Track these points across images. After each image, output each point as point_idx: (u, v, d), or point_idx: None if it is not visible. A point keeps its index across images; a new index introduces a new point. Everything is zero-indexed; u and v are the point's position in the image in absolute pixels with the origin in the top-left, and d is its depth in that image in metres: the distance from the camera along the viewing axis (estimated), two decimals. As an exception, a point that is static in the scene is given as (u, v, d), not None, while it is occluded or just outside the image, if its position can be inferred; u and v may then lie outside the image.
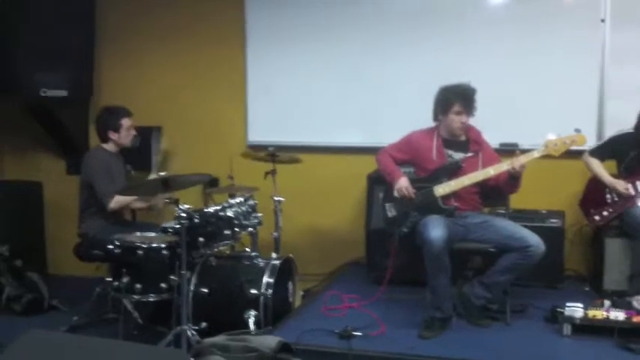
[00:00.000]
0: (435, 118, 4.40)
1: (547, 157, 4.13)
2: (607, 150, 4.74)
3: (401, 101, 5.45)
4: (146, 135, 5.66)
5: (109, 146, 4.92)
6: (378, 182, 4.93)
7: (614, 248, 4.72)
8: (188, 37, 6.03)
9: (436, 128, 4.40)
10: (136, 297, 4.18)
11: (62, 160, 6.35)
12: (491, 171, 4.18)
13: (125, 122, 4.89)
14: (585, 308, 3.96)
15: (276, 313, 4.29)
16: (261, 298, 4.24)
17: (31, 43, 5.48)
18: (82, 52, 5.84)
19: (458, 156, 4.35)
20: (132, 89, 6.05)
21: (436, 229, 4.00)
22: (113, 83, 6.13)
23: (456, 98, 4.25)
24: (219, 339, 2.17)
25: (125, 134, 4.90)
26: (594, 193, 4.77)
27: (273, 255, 4.63)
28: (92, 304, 4.78)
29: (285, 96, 5.80)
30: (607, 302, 4.15)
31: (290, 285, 4.66)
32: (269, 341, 2.18)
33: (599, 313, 3.92)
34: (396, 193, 4.33)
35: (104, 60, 6.12)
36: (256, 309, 4.23)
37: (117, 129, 4.87)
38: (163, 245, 4.23)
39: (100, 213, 4.80)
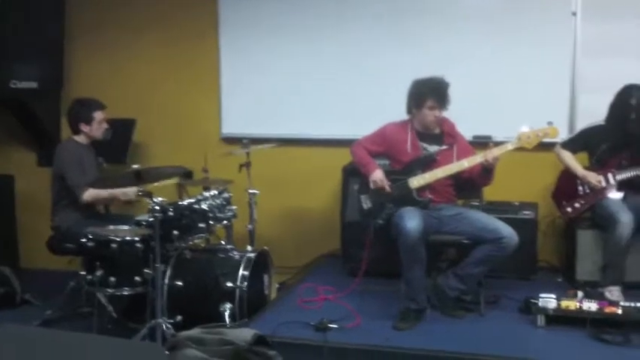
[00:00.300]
0: (409, 111, 4.40)
1: (520, 149, 4.17)
2: (579, 142, 4.78)
3: (376, 94, 5.45)
4: (118, 127, 5.61)
5: (81, 138, 4.88)
6: (353, 174, 4.93)
7: (587, 240, 4.76)
8: (162, 29, 5.98)
9: (410, 121, 4.41)
10: (110, 291, 4.16)
11: (34, 153, 6.28)
12: (466, 163, 4.21)
13: (98, 115, 4.85)
14: (558, 299, 4.00)
15: (251, 306, 4.28)
16: (237, 290, 4.23)
17: (1, 35, 5.39)
18: (52, 44, 5.79)
19: (432, 149, 4.37)
20: (105, 81, 5.99)
21: (412, 221, 4.01)
22: (86, 75, 6.06)
23: (429, 93, 4.25)
24: (195, 332, 2.16)
25: (97, 127, 4.86)
26: (566, 185, 4.82)
27: (249, 248, 4.63)
28: (65, 298, 4.74)
29: (260, 88, 5.78)
30: (580, 293, 4.21)
31: (265, 277, 4.66)
32: (245, 334, 2.17)
33: (572, 304, 3.96)
34: (371, 186, 4.33)
35: (77, 52, 6.06)
36: (232, 302, 4.22)
37: (89, 121, 4.82)
38: (137, 238, 4.21)
39: (73, 206, 4.75)
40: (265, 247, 4.68)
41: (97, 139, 4.94)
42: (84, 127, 4.83)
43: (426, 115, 4.30)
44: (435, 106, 4.26)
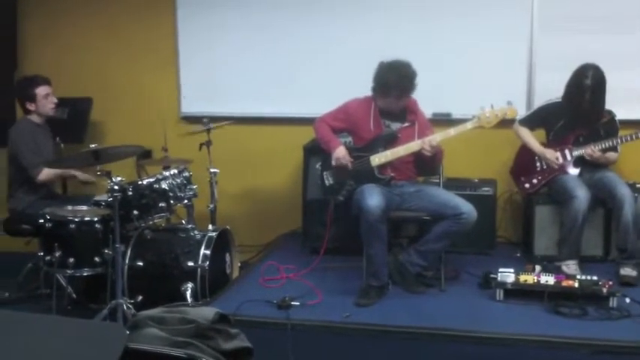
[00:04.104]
0: (374, 93, 4.36)
1: (479, 127, 4.19)
2: (536, 119, 4.84)
3: (337, 72, 5.42)
4: (75, 107, 5.51)
5: (34, 117, 4.78)
6: (314, 153, 4.93)
7: (544, 215, 4.84)
8: (117, 6, 5.87)
9: (373, 98, 4.39)
10: (69, 272, 4.13)
11: (-12, 135, 6.15)
12: (415, 147, 4.21)
13: (40, 90, 4.72)
14: (517, 273, 4.06)
15: (213, 285, 4.27)
16: (198, 270, 4.22)
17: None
18: (4, 25, 5.66)
19: (395, 126, 4.37)
20: (60, 61, 5.88)
21: (373, 198, 4.03)
22: (40, 55, 5.94)
23: (395, 87, 4.20)
24: (156, 311, 2.14)
25: (43, 103, 4.74)
26: (524, 161, 4.89)
27: (210, 227, 4.60)
28: (23, 280, 4.68)
29: (219, 66, 5.71)
30: (537, 267, 4.29)
31: (227, 257, 4.65)
32: (206, 312, 2.15)
33: (530, 278, 4.02)
34: (333, 162, 4.33)
35: (31, 32, 5.94)
36: (193, 281, 4.21)
37: (32, 98, 4.71)
38: (96, 218, 4.16)
39: (30, 187, 4.67)
40: (227, 226, 4.66)
41: (50, 116, 4.83)
42: (30, 106, 4.72)
43: (391, 103, 4.29)
44: (400, 96, 4.26)
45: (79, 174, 4.80)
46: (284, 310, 3.92)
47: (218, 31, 5.69)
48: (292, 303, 3.99)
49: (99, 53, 5.93)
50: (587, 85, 4.46)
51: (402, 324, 3.76)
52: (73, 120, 5.41)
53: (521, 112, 4.80)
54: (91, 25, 5.94)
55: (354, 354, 3.72)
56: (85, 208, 4.41)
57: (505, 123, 4.34)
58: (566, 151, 4.68)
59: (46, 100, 4.75)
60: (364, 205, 4.02)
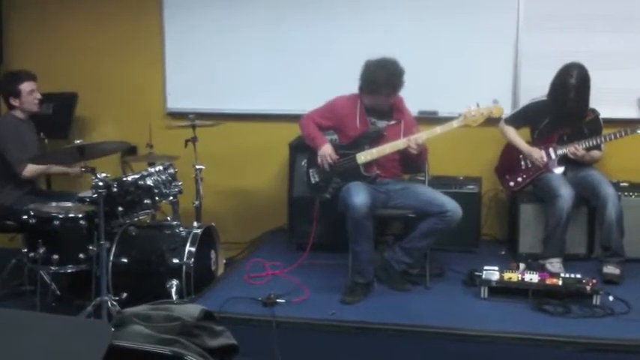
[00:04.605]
0: (361, 91, 4.35)
1: (465, 126, 4.20)
2: (522, 118, 4.86)
3: (323, 68, 5.43)
4: (60, 102, 5.48)
5: (18, 113, 4.74)
6: (300, 150, 4.92)
7: (529, 213, 4.87)
8: (104, 1, 5.83)
9: (360, 95, 4.38)
10: (53, 268, 4.10)
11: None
12: (400, 145, 4.22)
13: (25, 87, 4.68)
14: (501, 271, 4.08)
15: (198, 283, 4.26)
16: (183, 267, 4.20)
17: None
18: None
19: (381, 123, 4.37)
20: (46, 55, 5.85)
21: (359, 196, 4.03)
22: (27, 50, 5.90)
23: (384, 85, 4.20)
24: (141, 309, 2.13)
25: (27, 99, 4.70)
26: (509, 159, 4.91)
27: (195, 224, 4.58)
28: (7, 277, 4.64)
29: (206, 63, 5.70)
30: (522, 265, 4.31)
31: (212, 254, 4.63)
32: (192, 310, 2.15)
33: (514, 276, 4.04)
34: (319, 160, 4.33)
35: (17, 26, 5.90)
36: (178, 278, 4.19)
37: (17, 94, 4.67)
38: (80, 215, 4.14)
39: (14, 183, 4.64)
40: (212, 223, 4.65)
41: (34, 112, 4.79)
42: (14, 101, 4.69)
43: (379, 100, 4.29)
44: (390, 93, 4.27)
45: (70, 170, 4.75)
46: (269, 307, 3.92)
47: (205, 28, 5.67)
48: (278, 300, 3.98)
49: (85, 49, 5.90)
50: (572, 84, 4.48)
51: (388, 321, 3.76)
52: (58, 115, 5.37)
53: (507, 111, 4.81)
54: (77, 20, 5.90)
55: (339, 351, 3.72)
56: (69, 204, 4.39)
57: (490, 121, 4.36)
58: (551, 150, 4.71)
59: (30, 96, 4.71)
60: (350, 202, 4.02)
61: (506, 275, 4.05)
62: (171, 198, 4.57)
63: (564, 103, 4.54)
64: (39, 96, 4.76)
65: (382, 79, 4.20)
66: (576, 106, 4.55)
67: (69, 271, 4.15)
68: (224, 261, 4.85)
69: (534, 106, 4.80)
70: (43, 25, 5.94)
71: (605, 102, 4.76)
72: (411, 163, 4.40)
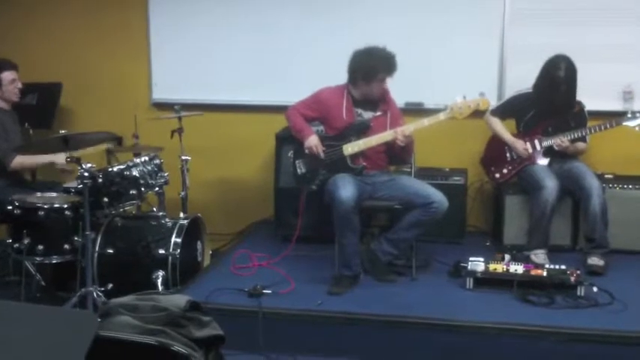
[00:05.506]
0: (353, 82, 4.33)
1: (451, 118, 4.21)
2: (507, 109, 4.88)
3: (309, 60, 5.42)
4: (44, 92, 5.43)
5: (0, 103, 4.69)
6: (287, 141, 4.92)
7: (514, 205, 4.89)
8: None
9: (346, 86, 4.38)
10: (38, 259, 4.08)
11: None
12: (388, 137, 4.23)
13: (6, 76, 4.62)
14: (486, 262, 4.11)
15: (184, 274, 4.25)
16: (169, 258, 4.19)
17: None
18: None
19: (367, 115, 4.37)
20: (30, 45, 5.79)
21: (345, 188, 4.03)
22: (11, 40, 5.82)
23: (381, 68, 4.20)
24: (128, 299, 2.13)
25: (8, 89, 4.64)
26: (495, 151, 4.92)
27: (181, 215, 4.58)
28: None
29: (191, 53, 5.66)
30: (507, 256, 4.33)
31: (199, 244, 4.63)
32: (178, 300, 2.16)
33: (499, 267, 4.07)
34: (306, 151, 4.33)
35: (2, 16, 5.82)
36: (164, 269, 4.19)
37: None
38: (66, 205, 4.12)
39: (0, 173, 4.59)
40: (198, 214, 4.64)
41: (15, 102, 4.75)
42: None
43: (374, 87, 4.28)
44: (386, 77, 4.26)
45: (60, 163, 4.70)
46: (255, 298, 3.93)
47: (190, 19, 5.63)
48: (264, 291, 3.99)
49: (70, 39, 5.85)
50: (561, 77, 4.49)
51: (374, 312, 3.78)
52: (42, 105, 5.33)
53: (493, 103, 4.82)
54: (63, 11, 5.85)
55: (326, 342, 3.73)
56: (54, 194, 4.36)
57: (476, 113, 4.36)
58: (536, 141, 4.72)
59: (11, 85, 4.65)
60: (337, 196, 4.02)
61: (492, 266, 4.08)
62: (157, 189, 4.56)
63: (552, 96, 4.55)
64: (20, 85, 4.72)
65: (378, 64, 4.20)
66: (565, 99, 4.57)
67: (54, 261, 4.14)
68: (210, 252, 4.85)
69: (520, 97, 4.81)
70: (28, 16, 5.88)
71: (589, 94, 4.77)
72: (397, 155, 4.41)
